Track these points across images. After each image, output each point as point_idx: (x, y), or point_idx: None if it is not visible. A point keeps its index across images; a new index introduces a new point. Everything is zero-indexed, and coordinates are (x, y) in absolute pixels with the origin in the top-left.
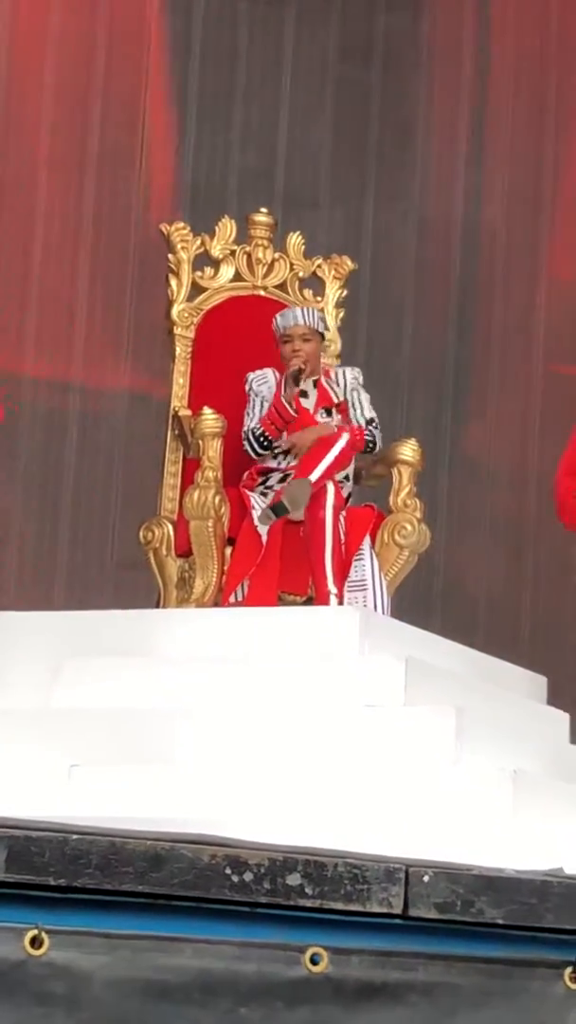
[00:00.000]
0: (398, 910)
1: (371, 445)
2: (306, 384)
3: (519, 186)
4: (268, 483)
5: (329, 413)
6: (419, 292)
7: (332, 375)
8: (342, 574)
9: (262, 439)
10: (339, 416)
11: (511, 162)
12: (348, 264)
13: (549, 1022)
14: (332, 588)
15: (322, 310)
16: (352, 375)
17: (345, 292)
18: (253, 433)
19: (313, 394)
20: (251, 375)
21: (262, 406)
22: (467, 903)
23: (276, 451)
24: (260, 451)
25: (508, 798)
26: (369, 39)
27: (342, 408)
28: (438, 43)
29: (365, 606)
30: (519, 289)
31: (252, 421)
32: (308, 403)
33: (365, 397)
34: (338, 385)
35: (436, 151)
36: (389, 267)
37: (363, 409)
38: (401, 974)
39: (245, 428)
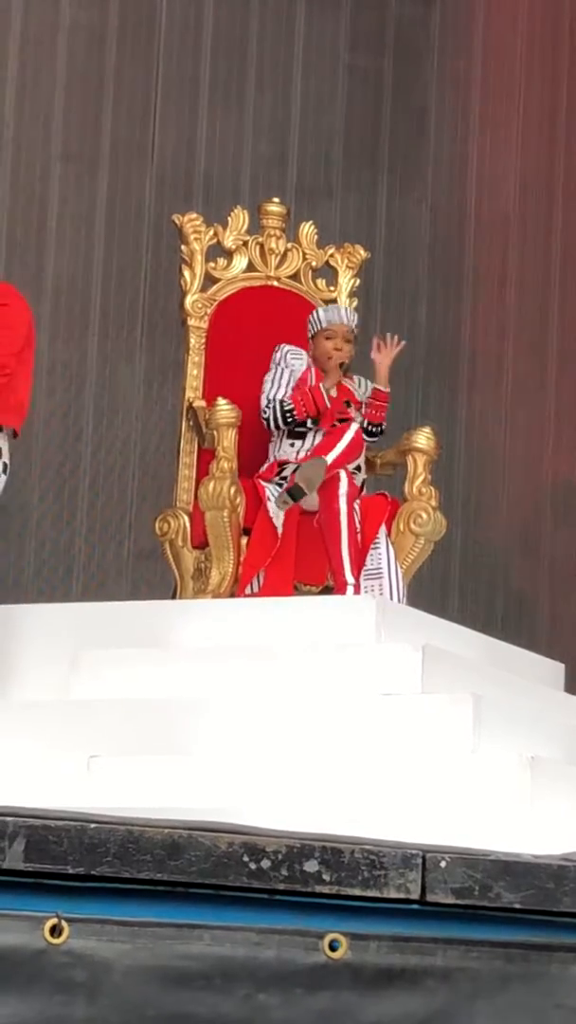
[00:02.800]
0: (416, 896)
1: (379, 428)
2: (329, 382)
3: (532, 173)
4: (284, 474)
5: (348, 404)
6: (433, 280)
7: (356, 381)
8: (359, 563)
9: (288, 415)
10: (357, 413)
11: (524, 149)
12: (361, 253)
13: (567, 1005)
14: (349, 578)
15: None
16: (370, 384)
17: (358, 281)
18: (282, 405)
19: (334, 392)
20: (285, 347)
21: (290, 379)
22: (484, 888)
23: (296, 429)
24: (281, 424)
25: (526, 785)
26: (381, 27)
27: (359, 404)
28: (450, 30)
29: (381, 594)
30: (533, 276)
31: (280, 391)
32: (323, 385)
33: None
34: (359, 390)
35: (448, 139)
36: (402, 256)
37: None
38: (419, 959)
39: (270, 394)
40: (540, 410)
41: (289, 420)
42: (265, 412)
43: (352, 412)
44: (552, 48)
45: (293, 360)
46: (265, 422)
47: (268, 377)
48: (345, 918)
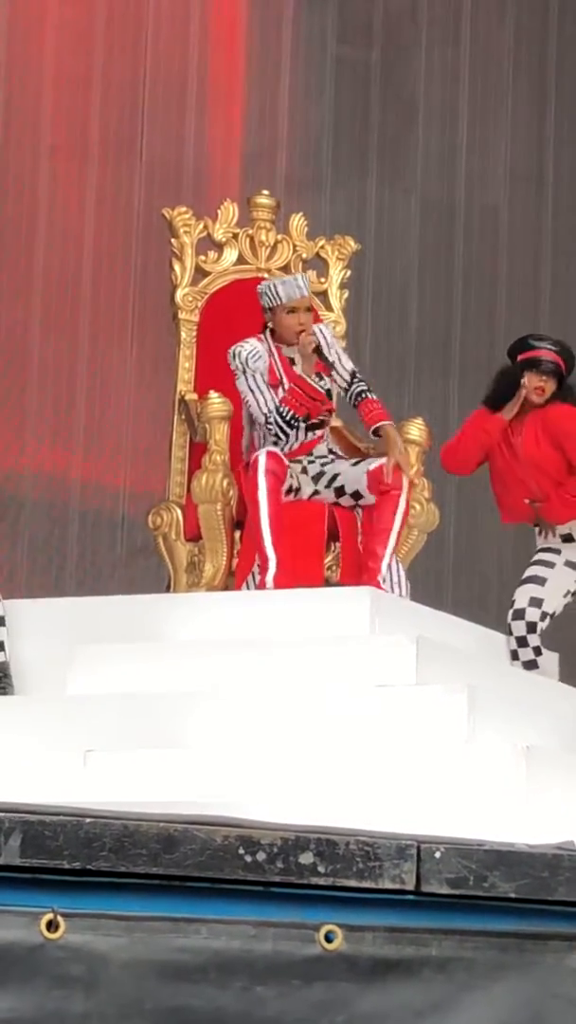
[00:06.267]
0: (411, 886)
1: (363, 395)
2: (291, 351)
3: (521, 164)
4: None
5: (321, 377)
6: (423, 271)
7: (314, 333)
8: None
9: (292, 420)
10: (326, 376)
11: (513, 140)
12: (351, 245)
13: (563, 994)
14: (270, 553)
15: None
16: (328, 332)
17: (349, 272)
18: (281, 416)
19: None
20: (241, 351)
21: (264, 381)
22: (479, 878)
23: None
24: (289, 432)
25: (521, 775)
26: (369, 19)
27: (327, 369)
28: (438, 22)
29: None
30: (523, 266)
31: (269, 402)
32: (299, 370)
33: (340, 349)
34: (322, 338)
35: (437, 130)
36: (392, 247)
37: (343, 362)
38: (415, 950)
39: (265, 410)
40: None
41: (294, 424)
42: (270, 427)
43: (325, 385)
44: (540, 39)
45: (256, 363)
46: (275, 437)
47: (243, 388)
48: (340, 909)
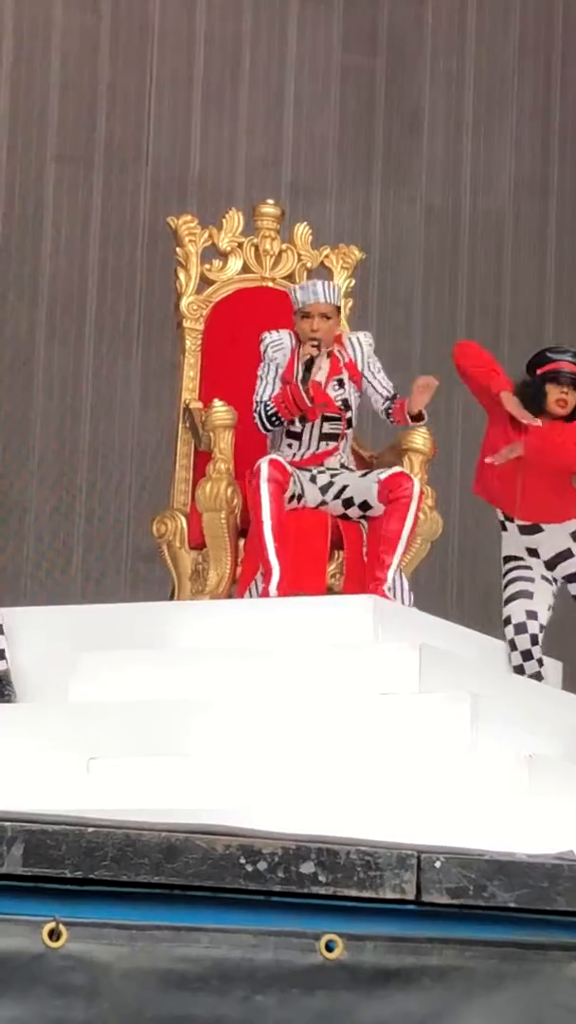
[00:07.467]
0: (411, 896)
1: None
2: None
3: (526, 172)
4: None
5: (341, 384)
6: (427, 279)
7: (345, 341)
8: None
9: (274, 418)
10: (352, 385)
11: (517, 148)
12: (356, 254)
13: (562, 1003)
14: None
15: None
16: (367, 341)
17: (353, 282)
18: (266, 408)
19: (326, 365)
20: (267, 337)
21: (276, 373)
22: (479, 888)
23: (290, 429)
24: (269, 427)
25: (524, 783)
26: (374, 27)
27: (352, 370)
28: (443, 30)
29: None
30: (527, 275)
31: (265, 392)
32: (320, 376)
33: (378, 367)
34: (352, 350)
35: (442, 138)
36: (397, 255)
37: (382, 383)
38: (415, 959)
39: (258, 396)
40: None
41: (276, 423)
42: (254, 416)
43: (333, 391)
44: (545, 48)
45: (275, 352)
46: (256, 426)
47: (259, 373)
48: (341, 919)
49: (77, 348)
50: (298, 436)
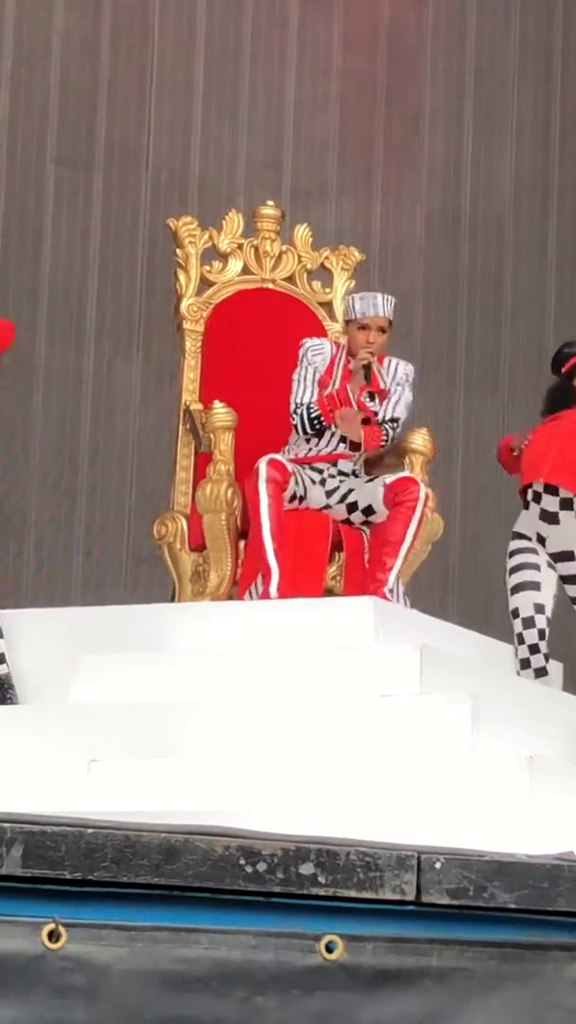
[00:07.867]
0: (411, 897)
1: (384, 444)
2: (354, 383)
3: (526, 174)
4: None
5: (372, 398)
6: (428, 282)
7: (385, 363)
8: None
9: (316, 421)
10: (379, 403)
11: (518, 150)
12: (356, 255)
13: (562, 1004)
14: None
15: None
16: (404, 371)
17: (354, 283)
18: (308, 411)
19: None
20: (308, 342)
21: (314, 377)
22: (479, 888)
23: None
24: (308, 429)
25: (524, 784)
26: (374, 29)
27: (383, 395)
28: (442, 32)
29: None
30: (528, 277)
31: (306, 395)
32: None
33: (406, 397)
34: (388, 373)
35: (442, 141)
36: (397, 257)
37: (394, 407)
38: (415, 960)
39: (298, 399)
40: (537, 410)
41: (316, 426)
42: (293, 417)
43: (366, 400)
44: (545, 50)
45: (315, 356)
46: (294, 427)
47: (295, 377)
48: (341, 920)
49: (77, 349)
50: (320, 433)
